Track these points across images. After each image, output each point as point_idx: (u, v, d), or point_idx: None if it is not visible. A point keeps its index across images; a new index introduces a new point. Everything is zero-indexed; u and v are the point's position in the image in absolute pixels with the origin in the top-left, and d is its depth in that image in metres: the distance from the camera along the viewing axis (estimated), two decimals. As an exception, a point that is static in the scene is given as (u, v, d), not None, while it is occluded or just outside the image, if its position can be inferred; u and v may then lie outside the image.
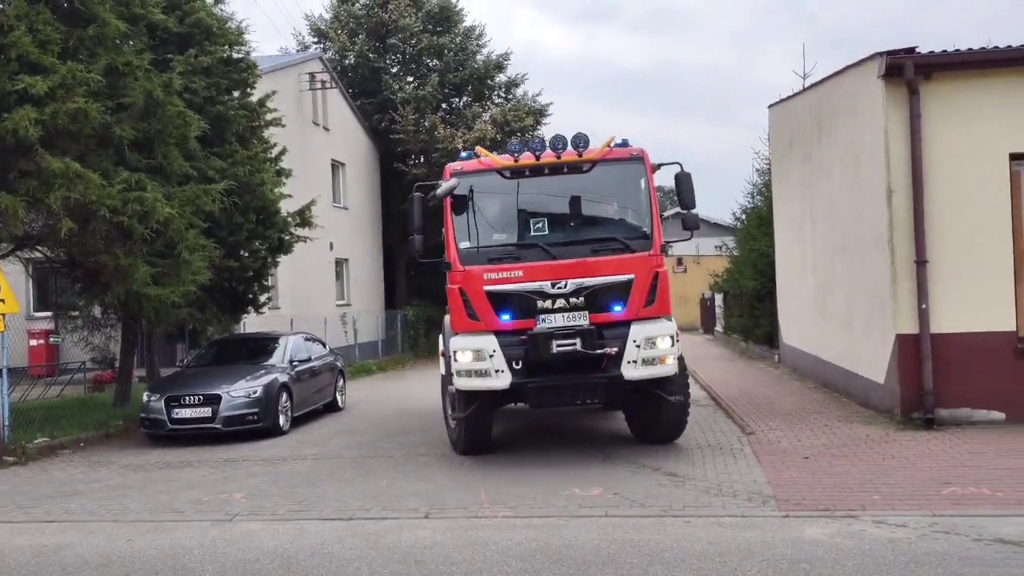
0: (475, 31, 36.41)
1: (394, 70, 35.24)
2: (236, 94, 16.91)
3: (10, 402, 12.32)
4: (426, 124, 31.82)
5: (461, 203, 10.09)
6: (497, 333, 9.66)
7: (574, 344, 9.44)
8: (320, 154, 28.19)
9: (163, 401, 13.03)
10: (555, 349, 9.45)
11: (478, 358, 9.61)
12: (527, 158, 9.94)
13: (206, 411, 12.93)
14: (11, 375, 12.77)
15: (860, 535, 6.63)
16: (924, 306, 10.67)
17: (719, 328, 33.23)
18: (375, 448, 11.83)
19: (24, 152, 11.35)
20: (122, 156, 12.54)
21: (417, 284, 35.02)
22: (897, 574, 5.76)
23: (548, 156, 9.93)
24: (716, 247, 35.35)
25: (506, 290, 9.68)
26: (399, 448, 11.69)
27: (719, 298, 32.94)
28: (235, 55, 16.98)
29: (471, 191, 10.10)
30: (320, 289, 27.54)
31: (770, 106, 19.45)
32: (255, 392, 13.22)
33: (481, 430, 10.61)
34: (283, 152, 18.65)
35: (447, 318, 10.85)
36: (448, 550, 6.76)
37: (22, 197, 11.33)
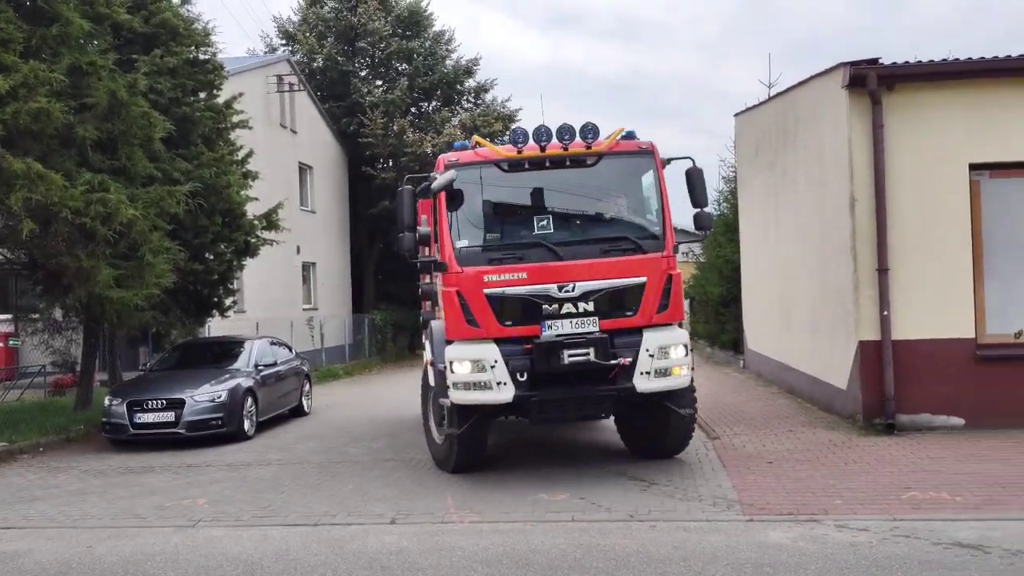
0: (444, 36, 36.47)
1: (363, 74, 35.12)
2: (202, 95, 16.72)
3: (-33, 406, 12.10)
4: (395, 128, 31.73)
5: (458, 198, 9.21)
6: (498, 341, 8.83)
7: (587, 354, 8.63)
8: (288, 157, 28.00)
9: (125, 405, 12.85)
10: (566, 359, 8.61)
11: (478, 369, 8.71)
12: (531, 149, 9.12)
13: (169, 416, 12.75)
14: (-32, 379, 12.53)
15: (823, 539, 6.70)
16: (886, 313, 10.81)
17: (685, 334, 33.35)
18: (341, 453, 11.76)
19: (-16, 152, 11.16)
20: (85, 157, 12.38)
21: (384, 288, 34.93)
22: (859, 577, 5.84)
23: (554, 147, 9.10)
24: (683, 253, 35.55)
25: (509, 293, 8.83)
26: (366, 453, 11.62)
27: (685, 304, 33.10)
28: (201, 56, 16.82)
29: (471, 184, 9.25)
30: (287, 293, 27.33)
31: (736, 115, 19.67)
32: (219, 397, 13.07)
33: (475, 447, 9.68)
34: (250, 154, 18.49)
35: (436, 323, 9.93)
36: (414, 556, 6.73)
37: (-18, 198, 11.15)
